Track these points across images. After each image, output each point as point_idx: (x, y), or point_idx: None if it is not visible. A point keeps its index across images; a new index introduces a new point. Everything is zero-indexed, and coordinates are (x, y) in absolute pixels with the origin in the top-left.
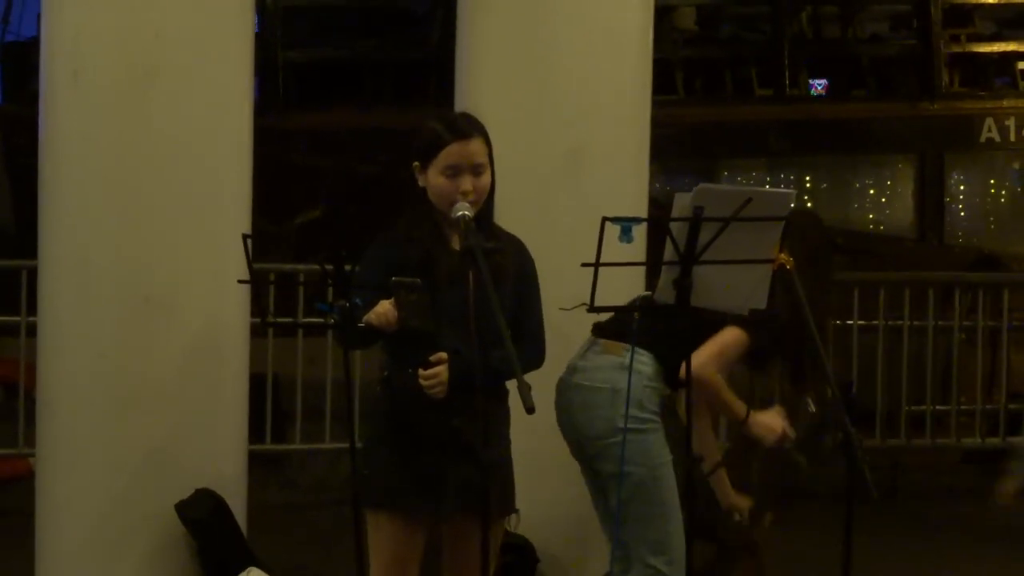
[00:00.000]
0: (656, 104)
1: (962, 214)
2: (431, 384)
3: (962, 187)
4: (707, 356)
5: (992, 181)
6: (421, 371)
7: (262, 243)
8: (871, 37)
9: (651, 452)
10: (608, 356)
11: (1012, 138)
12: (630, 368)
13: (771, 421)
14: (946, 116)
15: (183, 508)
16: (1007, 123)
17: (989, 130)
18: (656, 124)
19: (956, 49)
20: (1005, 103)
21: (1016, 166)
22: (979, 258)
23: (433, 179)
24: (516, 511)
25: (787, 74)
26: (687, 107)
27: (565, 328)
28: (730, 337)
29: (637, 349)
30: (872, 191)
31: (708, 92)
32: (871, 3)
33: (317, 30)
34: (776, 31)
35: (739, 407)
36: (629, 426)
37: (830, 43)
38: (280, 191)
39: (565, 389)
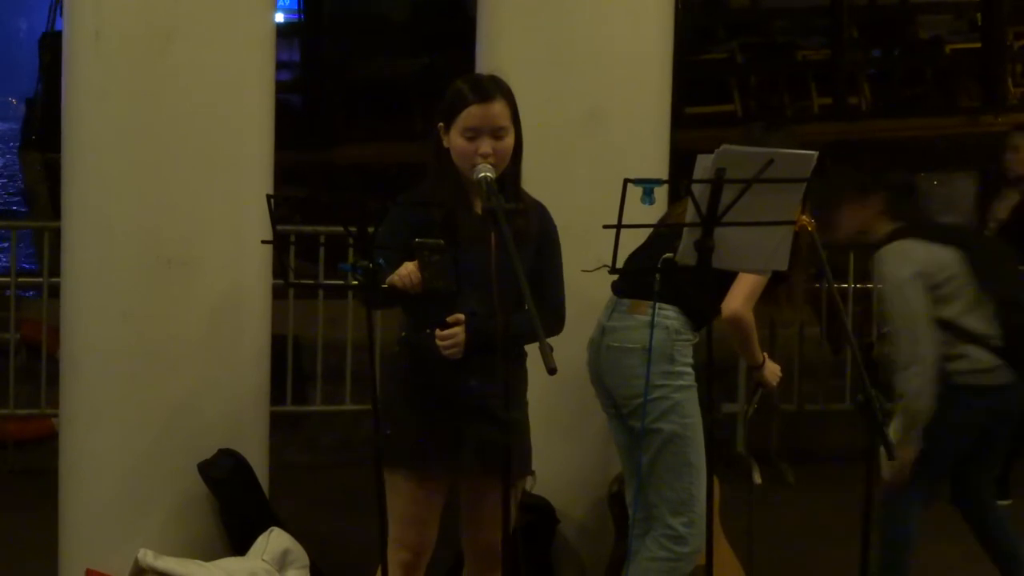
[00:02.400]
0: (710, 117)
1: None
2: (447, 345)
3: None
4: (742, 298)
5: None
6: (438, 331)
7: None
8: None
9: (684, 409)
10: (635, 316)
11: None
12: (651, 326)
13: (774, 366)
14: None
15: (205, 468)
16: None
17: None
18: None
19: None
20: None
21: None
22: None
23: (455, 140)
24: (532, 472)
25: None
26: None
27: (587, 290)
28: (753, 278)
29: (662, 304)
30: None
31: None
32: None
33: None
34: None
35: (759, 352)
36: (664, 383)
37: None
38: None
39: (596, 350)
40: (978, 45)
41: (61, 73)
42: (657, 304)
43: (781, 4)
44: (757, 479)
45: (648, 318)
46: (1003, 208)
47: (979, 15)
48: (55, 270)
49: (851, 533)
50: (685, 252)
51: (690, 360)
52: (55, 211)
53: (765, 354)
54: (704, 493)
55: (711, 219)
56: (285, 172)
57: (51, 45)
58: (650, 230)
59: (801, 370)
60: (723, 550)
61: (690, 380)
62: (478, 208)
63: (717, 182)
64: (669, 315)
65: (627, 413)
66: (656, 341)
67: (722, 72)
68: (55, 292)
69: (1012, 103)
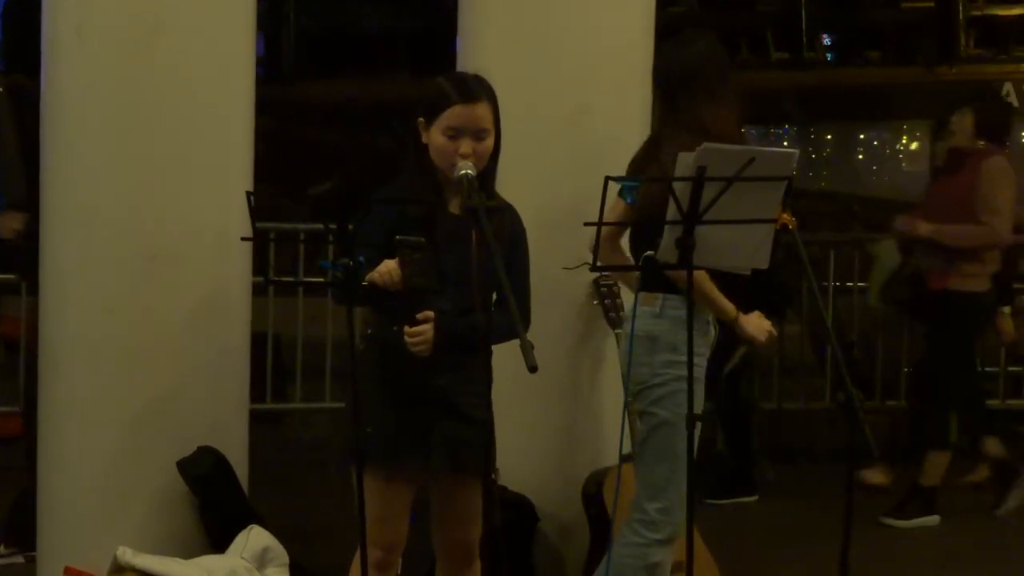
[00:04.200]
0: None
1: None
2: (416, 342)
3: None
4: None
5: (1011, 145)
6: (407, 329)
7: (275, 214)
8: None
9: (679, 399)
10: (643, 307)
11: None
12: (632, 316)
13: (760, 321)
14: (965, 81)
15: (185, 465)
16: None
17: (1008, 95)
18: None
19: (975, 13)
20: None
21: None
22: None
23: (435, 137)
24: (496, 470)
25: (804, 39)
26: None
27: (567, 288)
28: None
29: (668, 296)
30: (890, 157)
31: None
32: None
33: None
34: None
35: (728, 305)
36: (665, 371)
37: (847, 7)
38: (293, 163)
39: (618, 340)
40: (931, 4)
41: None
42: (664, 295)
43: None
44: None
45: (653, 308)
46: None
47: None
48: None
49: (832, 532)
50: (666, 249)
51: (701, 351)
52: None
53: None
54: (684, 485)
55: (692, 217)
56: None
57: None
58: None
59: (781, 369)
60: (699, 548)
61: (697, 372)
62: (454, 207)
63: (698, 180)
64: (676, 305)
65: (633, 398)
66: (661, 330)
67: (681, 25)
68: (33, 289)
69: (967, 55)
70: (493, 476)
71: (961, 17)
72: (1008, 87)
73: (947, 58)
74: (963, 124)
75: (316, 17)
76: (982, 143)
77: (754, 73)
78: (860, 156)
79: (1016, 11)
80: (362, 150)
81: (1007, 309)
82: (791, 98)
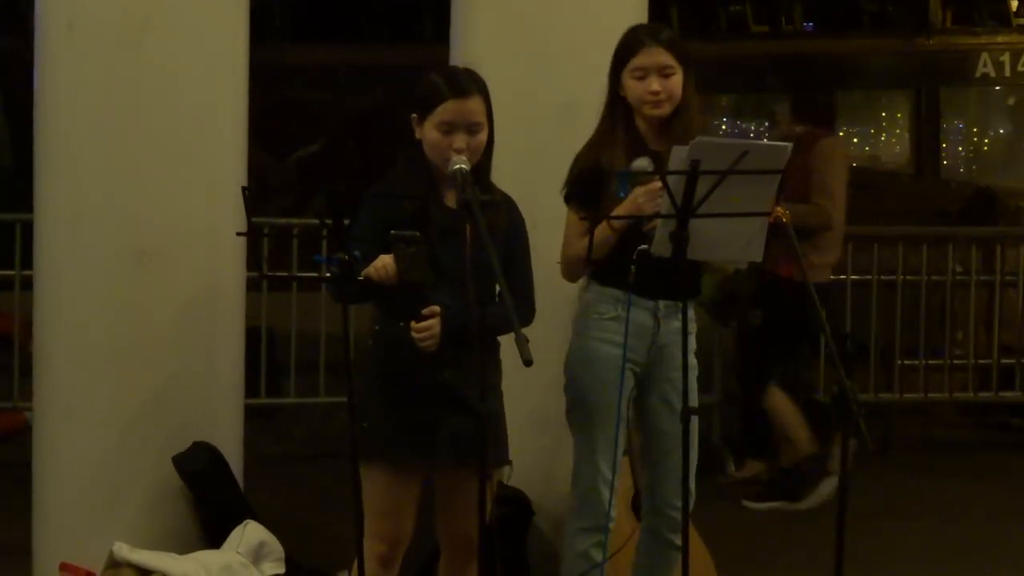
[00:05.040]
0: None
1: (958, 149)
2: (423, 337)
3: (958, 122)
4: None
5: (987, 116)
6: (413, 324)
7: (262, 180)
8: None
9: (574, 380)
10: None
11: (1007, 73)
12: (627, 317)
13: (627, 200)
14: (942, 51)
15: (180, 460)
16: (1002, 59)
17: (984, 65)
18: None
19: None
20: (1000, 39)
21: (1011, 101)
22: (976, 192)
23: (428, 133)
24: (509, 463)
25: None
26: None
27: (561, 282)
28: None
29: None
30: (869, 127)
31: (702, 28)
32: None
33: None
34: None
35: (599, 229)
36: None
37: None
38: (279, 125)
39: None
40: None
41: None
42: (588, 280)
43: None
44: (731, 470)
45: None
46: None
47: None
48: (27, 263)
49: (826, 523)
50: (660, 243)
51: (612, 338)
52: None
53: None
54: (597, 473)
55: (686, 210)
56: None
57: None
58: None
59: None
60: (695, 542)
61: (617, 360)
62: (449, 201)
63: (692, 174)
64: (592, 288)
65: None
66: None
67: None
68: (27, 285)
69: (942, 27)
70: (505, 470)
71: None
72: (985, 57)
73: (924, 29)
74: (784, 111)
75: None
76: (800, 128)
77: (733, 43)
78: (840, 125)
79: None
80: (346, 113)
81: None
82: (769, 67)
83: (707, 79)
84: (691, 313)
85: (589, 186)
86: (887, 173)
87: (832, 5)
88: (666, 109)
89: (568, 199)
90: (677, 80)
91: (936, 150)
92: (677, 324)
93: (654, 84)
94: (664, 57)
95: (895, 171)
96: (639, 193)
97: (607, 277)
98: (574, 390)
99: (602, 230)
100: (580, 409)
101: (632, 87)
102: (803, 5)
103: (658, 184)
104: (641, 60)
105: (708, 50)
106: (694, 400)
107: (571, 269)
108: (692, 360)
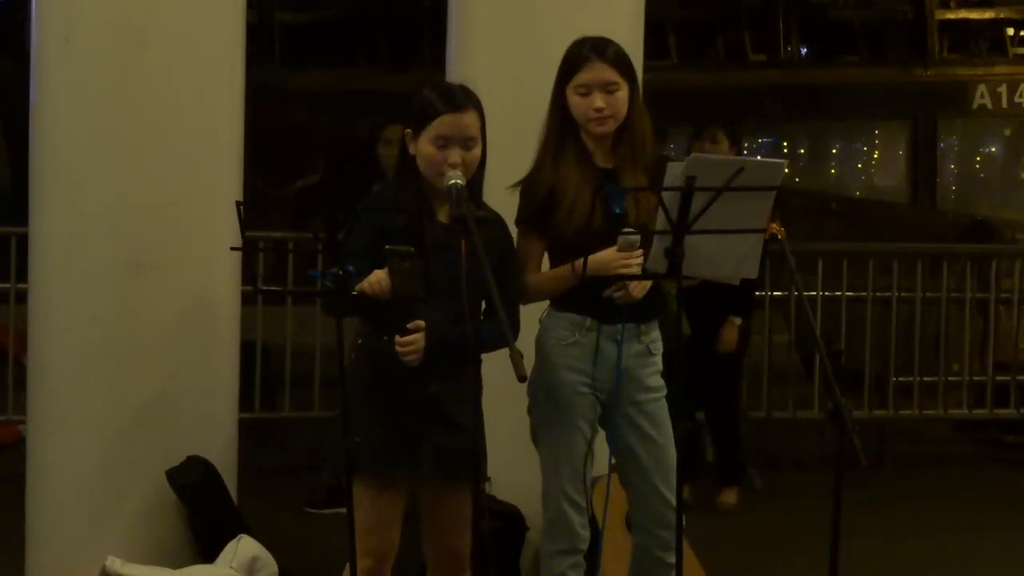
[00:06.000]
0: (649, 69)
1: (954, 179)
2: (407, 352)
3: (954, 153)
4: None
5: (984, 147)
6: (398, 338)
7: (260, 207)
8: (863, 1)
9: (539, 406)
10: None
11: (1004, 104)
12: (621, 336)
13: (606, 262)
14: (939, 82)
15: (174, 474)
16: (999, 90)
17: (982, 96)
18: (648, 88)
19: (948, 16)
20: (997, 70)
21: (1008, 132)
22: (973, 223)
23: (423, 148)
24: (488, 478)
25: (781, 38)
26: (680, 71)
27: None
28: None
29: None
30: (865, 156)
31: (701, 57)
32: None
33: None
34: None
35: (564, 268)
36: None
37: (822, 7)
38: (277, 153)
39: None
40: (907, 7)
41: None
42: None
43: None
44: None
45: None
46: None
47: None
48: (23, 276)
49: (820, 540)
50: (655, 259)
51: (577, 365)
52: None
53: (573, 263)
54: (563, 497)
55: (681, 226)
56: None
57: None
58: None
59: (770, 377)
60: (688, 558)
61: (581, 387)
62: (442, 216)
63: (687, 190)
64: (550, 314)
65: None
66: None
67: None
68: (22, 298)
69: (939, 57)
70: (486, 484)
71: (934, 19)
72: (982, 88)
73: (921, 60)
74: (718, 138)
75: (298, 6)
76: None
77: (731, 72)
78: (837, 155)
79: (987, 14)
80: (344, 139)
81: (737, 320)
82: (767, 96)
83: (704, 107)
84: (656, 334)
85: (545, 211)
86: (883, 203)
87: (830, 34)
88: (611, 126)
89: (526, 223)
90: (622, 96)
91: (933, 180)
92: (638, 347)
93: (598, 101)
94: (608, 73)
95: (891, 201)
96: (617, 259)
97: (563, 302)
98: (537, 415)
99: (568, 278)
100: (543, 433)
101: (576, 103)
102: (801, 34)
103: (639, 254)
104: (585, 76)
105: (705, 79)
106: (667, 422)
107: (529, 301)
108: (659, 381)
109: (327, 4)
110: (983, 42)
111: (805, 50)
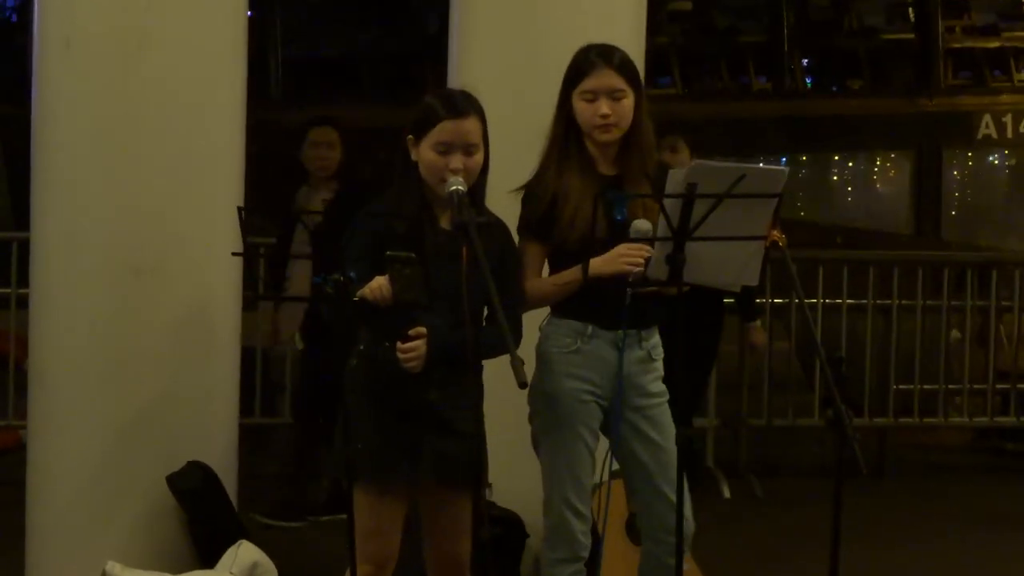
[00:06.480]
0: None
1: (958, 210)
2: (408, 358)
3: (959, 184)
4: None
5: (989, 178)
6: (399, 344)
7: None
8: (867, 30)
9: (540, 415)
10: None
11: (1009, 135)
12: (619, 346)
13: (612, 255)
14: (944, 112)
15: (174, 479)
16: (1004, 120)
17: (987, 126)
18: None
19: (953, 44)
20: (1003, 99)
21: (1013, 162)
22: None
23: (425, 154)
24: (489, 485)
25: (785, 69)
26: (684, 102)
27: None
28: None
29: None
30: (869, 187)
31: (705, 87)
32: None
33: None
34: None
35: (568, 272)
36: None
37: (825, 36)
38: (281, 190)
39: None
40: (911, 36)
41: None
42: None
43: None
44: (726, 493)
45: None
46: (315, 203)
47: (911, 8)
48: (23, 282)
49: (820, 548)
50: (656, 266)
51: (586, 375)
52: None
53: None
54: (565, 504)
55: (682, 233)
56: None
57: None
58: None
59: (771, 385)
60: (689, 565)
61: (586, 396)
62: (443, 222)
63: (688, 197)
64: (552, 322)
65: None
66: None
67: (665, 54)
68: (23, 303)
69: (945, 86)
70: (486, 491)
71: (940, 47)
72: (987, 118)
73: (926, 89)
74: (678, 147)
75: (301, 43)
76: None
77: (736, 103)
78: (841, 186)
79: (993, 43)
80: (349, 175)
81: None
82: (771, 128)
83: (708, 138)
84: (657, 340)
85: (547, 218)
86: (886, 234)
87: (834, 64)
88: (615, 134)
89: (528, 231)
90: (628, 104)
91: (937, 211)
92: (640, 353)
93: (604, 107)
94: (615, 80)
95: (894, 232)
96: (624, 250)
97: (564, 309)
98: (538, 423)
99: (575, 281)
100: (545, 440)
101: (582, 109)
102: (806, 64)
103: (646, 249)
104: (592, 82)
105: (709, 110)
106: (670, 427)
107: (531, 307)
108: (661, 386)
109: (331, 39)
110: (988, 71)
111: (810, 80)
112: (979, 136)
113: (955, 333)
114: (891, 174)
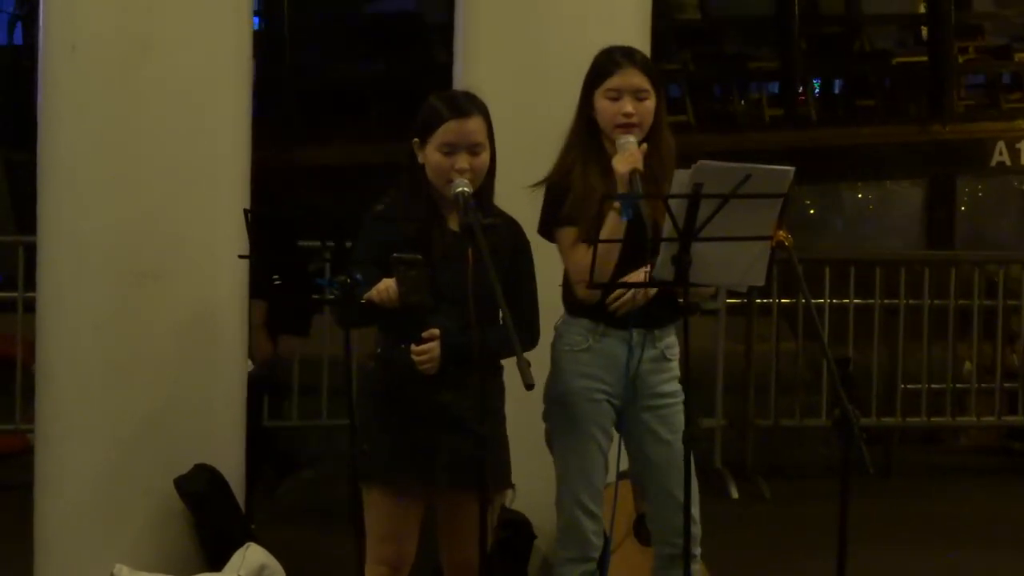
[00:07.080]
0: None
1: (971, 238)
2: (423, 360)
3: (972, 211)
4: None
5: (1003, 206)
6: (413, 347)
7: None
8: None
9: (554, 417)
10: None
11: (1023, 161)
12: (630, 345)
13: (620, 158)
14: (957, 140)
15: (181, 482)
16: (1018, 146)
17: (1000, 153)
18: None
19: (967, 67)
20: (1017, 125)
21: None
22: (991, 285)
23: (430, 155)
24: (512, 487)
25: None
26: (697, 134)
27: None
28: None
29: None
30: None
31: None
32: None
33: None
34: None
35: (608, 221)
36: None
37: (840, 64)
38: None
39: None
40: (924, 59)
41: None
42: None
43: (731, 15)
44: (734, 494)
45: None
46: None
47: (925, 29)
48: (30, 285)
49: (827, 548)
50: (662, 267)
51: (596, 373)
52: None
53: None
54: (577, 505)
55: (688, 234)
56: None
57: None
58: None
59: (777, 385)
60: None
61: (595, 395)
62: (451, 224)
63: (694, 197)
64: (566, 320)
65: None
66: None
67: (675, 82)
68: (30, 307)
69: (958, 112)
70: (508, 493)
71: (954, 71)
72: (1001, 145)
73: (939, 116)
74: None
75: (310, 77)
76: None
77: (749, 134)
78: (860, 214)
79: (1008, 66)
80: (354, 215)
81: None
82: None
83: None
84: (672, 340)
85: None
86: (898, 262)
87: (846, 91)
88: (636, 136)
89: (557, 223)
90: (650, 105)
91: (950, 240)
92: (654, 352)
93: (628, 106)
94: (639, 79)
95: (908, 259)
96: (633, 151)
97: (577, 307)
98: (551, 422)
99: (612, 223)
100: (557, 440)
101: (604, 108)
102: (817, 94)
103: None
104: (616, 81)
105: (721, 141)
106: (680, 427)
107: (600, 279)
108: (675, 386)
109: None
110: (1003, 95)
111: (821, 106)
112: (993, 163)
113: (968, 365)
114: (902, 203)
